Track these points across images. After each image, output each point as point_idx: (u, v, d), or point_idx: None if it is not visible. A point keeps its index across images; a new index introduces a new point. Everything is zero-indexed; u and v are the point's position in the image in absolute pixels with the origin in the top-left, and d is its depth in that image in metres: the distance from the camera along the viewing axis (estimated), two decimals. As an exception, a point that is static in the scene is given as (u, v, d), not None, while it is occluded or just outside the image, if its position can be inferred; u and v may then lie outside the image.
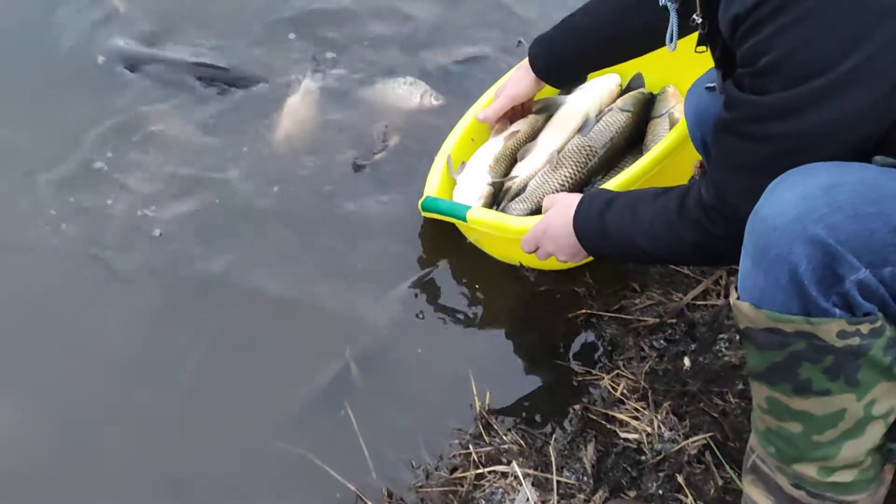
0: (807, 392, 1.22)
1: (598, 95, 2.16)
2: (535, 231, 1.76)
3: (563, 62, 2.00)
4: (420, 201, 2.06)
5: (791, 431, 1.27)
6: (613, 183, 1.92)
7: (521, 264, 2.01)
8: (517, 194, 2.05)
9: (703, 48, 1.46)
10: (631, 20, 1.85)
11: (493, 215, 1.95)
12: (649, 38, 1.81)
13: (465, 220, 1.95)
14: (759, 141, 1.26)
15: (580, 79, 2.16)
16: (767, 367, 1.24)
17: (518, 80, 2.08)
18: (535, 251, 1.79)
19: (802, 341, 1.18)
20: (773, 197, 1.18)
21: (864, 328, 1.16)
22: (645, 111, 2.14)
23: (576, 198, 1.67)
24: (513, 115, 2.16)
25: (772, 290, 1.18)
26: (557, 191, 2.01)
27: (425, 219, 2.16)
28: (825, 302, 1.15)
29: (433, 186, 2.07)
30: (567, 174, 2.03)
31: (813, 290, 1.15)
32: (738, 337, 1.85)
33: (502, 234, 1.92)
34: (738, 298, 1.24)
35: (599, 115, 2.13)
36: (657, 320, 1.92)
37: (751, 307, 1.21)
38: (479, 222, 1.94)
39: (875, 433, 1.26)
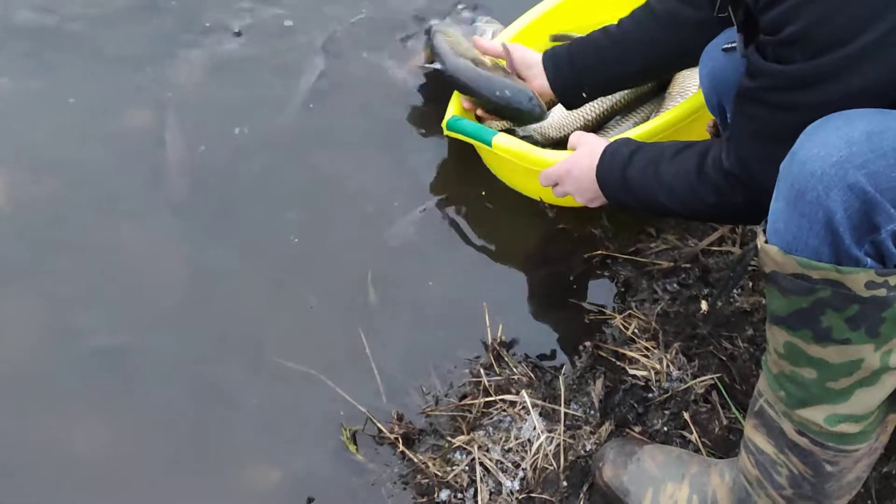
0: (827, 340, 1.22)
1: None
2: (558, 169, 1.77)
3: (579, 69, 1.90)
4: (445, 120, 2.04)
5: (805, 377, 1.27)
6: (632, 133, 1.92)
7: (540, 199, 2.02)
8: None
9: (724, 13, 1.46)
10: (665, 38, 1.81)
11: (518, 144, 1.94)
12: (682, 57, 1.79)
13: (489, 145, 1.95)
14: (782, 110, 1.26)
15: (592, 93, 1.95)
16: (790, 313, 1.23)
17: (529, 52, 1.99)
18: (552, 187, 1.80)
19: (829, 289, 1.17)
20: (813, 140, 1.17)
21: (893, 280, 1.15)
22: None
23: (602, 143, 1.67)
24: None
25: (805, 235, 1.17)
26: (576, 125, 2.03)
27: (448, 146, 2.17)
28: (857, 250, 1.15)
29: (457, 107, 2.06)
30: (587, 110, 2.04)
31: (847, 237, 1.14)
32: (751, 284, 1.88)
33: (526, 164, 1.91)
34: (765, 242, 1.23)
35: None
36: (671, 264, 1.94)
37: (779, 252, 1.20)
38: (504, 150, 1.94)
39: (889, 384, 1.26)
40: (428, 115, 2.23)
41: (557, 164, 1.77)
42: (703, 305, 1.83)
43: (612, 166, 1.60)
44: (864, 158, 1.11)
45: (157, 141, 2.22)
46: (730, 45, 1.56)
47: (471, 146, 2.08)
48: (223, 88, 2.35)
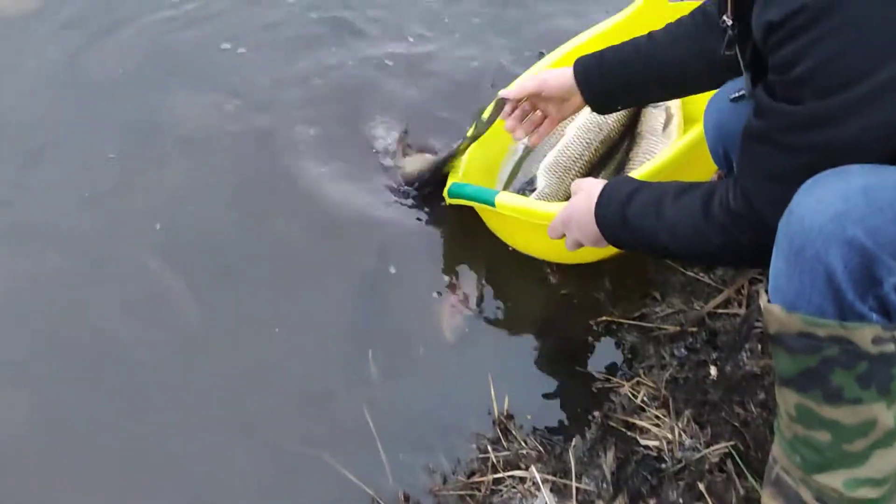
0: (838, 400, 1.19)
1: None
2: (561, 216, 1.71)
3: (608, 75, 1.83)
4: (446, 188, 2.03)
5: (820, 440, 1.24)
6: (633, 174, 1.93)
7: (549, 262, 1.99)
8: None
9: (730, 52, 1.45)
10: (696, 47, 1.74)
11: (521, 200, 1.92)
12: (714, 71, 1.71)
13: (493, 204, 1.93)
14: (791, 150, 1.25)
15: (623, 101, 1.91)
16: (799, 373, 1.21)
17: (559, 74, 1.89)
18: (561, 237, 1.75)
19: (836, 346, 1.15)
20: (810, 196, 1.16)
21: None
22: None
23: (599, 184, 1.63)
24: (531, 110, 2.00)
25: (807, 292, 1.15)
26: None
27: (451, 217, 2.15)
28: (862, 305, 1.13)
29: (458, 174, 2.06)
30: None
31: (849, 293, 1.12)
32: (759, 347, 1.84)
33: (530, 219, 1.88)
34: (768, 301, 1.21)
35: None
36: (678, 328, 1.91)
37: (782, 311, 1.18)
38: (508, 207, 1.91)
39: None
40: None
41: (559, 212, 1.72)
42: (713, 371, 1.79)
43: (611, 206, 1.56)
44: (862, 213, 1.11)
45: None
46: (737, 95, 1.55)
47: (474, 213, 2.06)
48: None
